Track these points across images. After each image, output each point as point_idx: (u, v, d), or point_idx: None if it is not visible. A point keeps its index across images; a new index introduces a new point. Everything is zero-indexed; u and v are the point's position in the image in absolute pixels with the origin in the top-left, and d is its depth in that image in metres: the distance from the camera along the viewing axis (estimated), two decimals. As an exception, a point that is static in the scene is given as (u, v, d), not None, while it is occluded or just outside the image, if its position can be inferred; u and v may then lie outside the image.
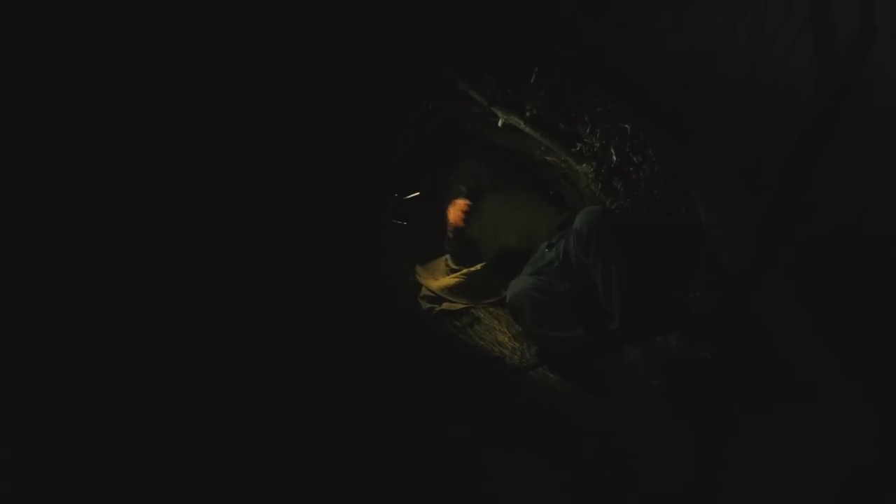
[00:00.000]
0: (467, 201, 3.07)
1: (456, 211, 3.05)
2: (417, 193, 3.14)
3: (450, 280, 2.90)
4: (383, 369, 1.97)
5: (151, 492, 1.51)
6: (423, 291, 2.87)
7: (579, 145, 2.64)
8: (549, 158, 2.94)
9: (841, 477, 2.02)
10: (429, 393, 2.03)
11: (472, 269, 2.97)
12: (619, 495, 1.97)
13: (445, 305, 2.83)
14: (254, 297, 1.83)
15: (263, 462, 1.64)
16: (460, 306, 2.83)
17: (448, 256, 3.11)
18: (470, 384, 2.16)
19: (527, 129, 2.66)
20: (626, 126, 2.53)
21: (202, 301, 1.75)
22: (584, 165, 2.67)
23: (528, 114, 2.61)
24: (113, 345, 1.59)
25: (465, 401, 2.07)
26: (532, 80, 2.51)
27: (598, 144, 2.58)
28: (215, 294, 1.77)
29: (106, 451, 1.50)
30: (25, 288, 1.53)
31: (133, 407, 1.56)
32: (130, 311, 1.64)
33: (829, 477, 2.04)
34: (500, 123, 2.72)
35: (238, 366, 1.73)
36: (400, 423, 1.87)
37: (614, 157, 2.58)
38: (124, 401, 1.56)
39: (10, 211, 1.54)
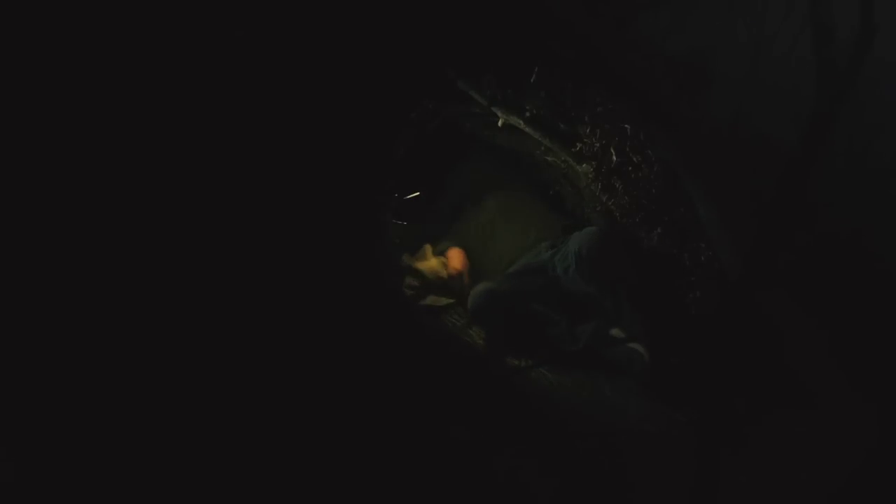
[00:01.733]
0: None
1: None
2: (417, 193, 3.15)
3: (434, 263, 2.89)
4: (383, 370, 1.97)
5: (151, 492, 1.51)
6: (408, 280, 2.86)
7: (579, 145, 2.64)
8: (549, 158, 2.94)
9: (841, 478, 2.02)
10: (429, 394, 2.03)
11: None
12: (619, 495, 1.97)
13: (430, 300, 2.81)
14: (254, 297, 1.83)
15: (264, 462, 1.64)
16: (444, 303, 2.82)
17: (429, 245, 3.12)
18: (470, 385, 2.16)
19: (527, 130, 2.66)
20: (626, 126, 2.52)
21: (203, 300, 1.75)
22: (584, 165, 2.67)
23: (527, 114, 2.61)
24: (113, 345, 1.59)
25: (465, 402, 2.07)
26: (532, 80, 2.51)
27: (598, 144, 2.58)
28: (215, 294, 1.77)
29: (106, 451, 1.50)
30: (25, 288, 1.53)
31: (133, 407, 1.56)
32: (130, 310, 1.64)
33: (829, 478, 2.04)
34: (499, 123, 2.72)
35: (238, 366, 1.73)
36: (400, 424, 1.87)
37: (614, 157, 2.58)
38: (124, 401, 1.56)
39: (9, 211, 1.55)
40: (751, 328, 2.25)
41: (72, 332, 1.56)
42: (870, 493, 1.96)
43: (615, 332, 2.53)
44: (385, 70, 2.28)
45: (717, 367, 2.15)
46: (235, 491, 1.59)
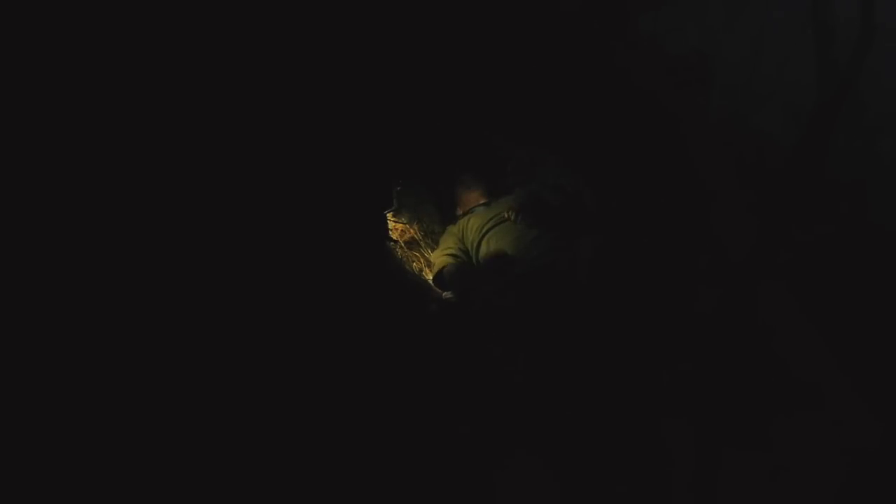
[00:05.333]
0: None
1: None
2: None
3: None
4: (386, 370, 1.97)
5: (151, 492, 1.51)
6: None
7: None
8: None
9: (841, 476, 2.02)
10: (434, 393, 2.03)
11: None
12: (621, 494, 1.97)
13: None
14: (258, 297, 1.83)
15: (265, 462, 1.64)
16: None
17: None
18: (474, 384, 2.17)
19: None
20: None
21: (205, 301, 1.75)
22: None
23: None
24: (113, 345, 1.60)
25: (469, 401, 2.07)
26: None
27: None
28: (218, 294, 1.77)
29: (106, 451, 1.50)
30: (25, 288, 1.54)
31: (133, 407, 1.57)
32: (131, 311, 1.64)
33: (829, 476, 2.05)
34: None
35: (242, 366, 1.73)
36: (404, 424, 1.88)
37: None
38: (124, 401, 1.57)
39: (10, 211, 1.55)
40: (751, 327, 2.26)
41: (71, 333, 1.56)
42: (870, 493, 1.96)
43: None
44: (387, 72, 2.28)
45: (719, 367, 2.16)
46: (235, 491, 1.60)
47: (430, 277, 2.87)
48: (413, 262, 2.91)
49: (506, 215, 2.82)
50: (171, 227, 1.74)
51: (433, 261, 2.93)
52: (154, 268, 1.68)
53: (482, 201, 3.03)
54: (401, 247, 2.89)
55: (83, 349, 1.56)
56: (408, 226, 3.03)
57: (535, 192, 2.90)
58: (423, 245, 3.04)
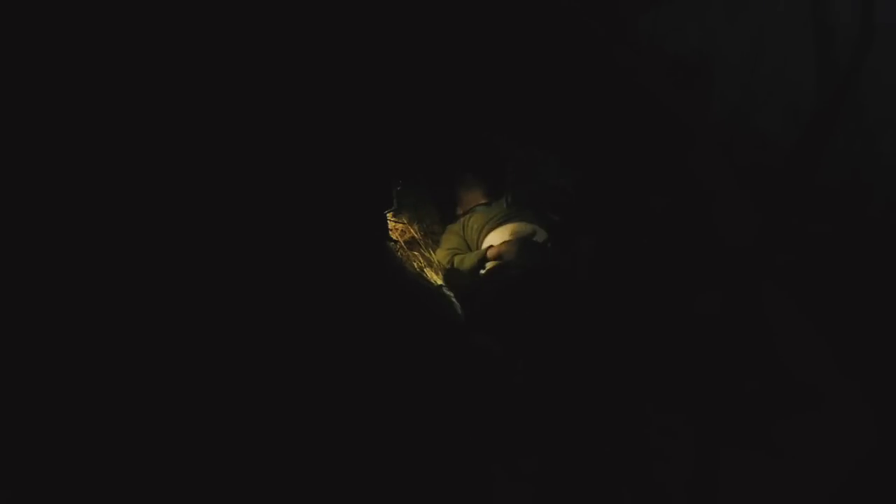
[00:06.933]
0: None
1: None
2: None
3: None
4: (386, 370, 1.97)
5: (151, 492, 1.51)
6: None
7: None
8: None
9: (841, 476, 2.03)
10: (434, 394, 2.03)
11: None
12: (620, 494, 1.97)
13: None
14: (258, 297, 1.83)
15: (265, 463, 1.64)
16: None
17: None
18: (475, 385, 2.17)
19: None
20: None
21: (206, 301, 1.75)
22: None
23: None
24: (113, 345, 1.60)
25: (469, 402, 2.08)
26: None
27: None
28: (218, 294, 1.78)
29: (106, 452, 1.51)
30: (25, 288, 1.54)
31: (133, 407, 1.57)
32: (131, 311, 1.64)
33: (829, 477, 2.05)
34: None
35: (242, 367, 1.73)
36: (404, 424, 1.88)
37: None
38: (124, 401, 1.57)
39: (9, 211, 1.55)
40: (752, 328, 2.26)
41: (71, 334, 1.56)
42: (870, 493, 1.96)
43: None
44: (387, 73, 2.28)
45: (719, 368, 2.16)
46: (235, 491, 1.60)
47: (437, 277, 2.88)
48: (413, 262, 2.92)
49: (508, 215, 2.86)
50: (172, 228, 1.74)
51: (438, 259, 2.96)
52: (154, 268, 1.69)
53: (482, 201, 3.05)
54: (401, 247, 2.90)
55: (83, 349, 1.56)
56: (408, 226, 3.05)
57: (536, 192, 2.92)
58: (423, 245, 3.05)
